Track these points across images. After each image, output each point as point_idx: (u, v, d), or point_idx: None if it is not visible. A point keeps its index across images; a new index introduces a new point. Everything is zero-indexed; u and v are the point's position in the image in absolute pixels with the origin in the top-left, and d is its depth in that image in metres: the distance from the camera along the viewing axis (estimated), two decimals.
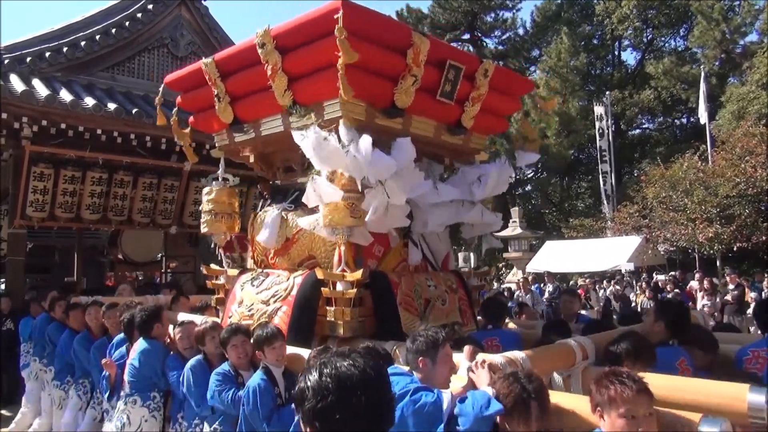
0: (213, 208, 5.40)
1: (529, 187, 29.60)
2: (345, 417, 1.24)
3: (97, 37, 9.47)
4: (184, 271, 12.64)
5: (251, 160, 5.46)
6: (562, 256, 15.92)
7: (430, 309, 4.62)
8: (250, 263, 5.31)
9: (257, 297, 4.53)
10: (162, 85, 5.50)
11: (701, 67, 21.96)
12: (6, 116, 7.68)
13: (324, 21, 3.98)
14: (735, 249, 13.45)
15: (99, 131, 8.42)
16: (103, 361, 4.57)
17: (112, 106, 8.39)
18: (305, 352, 3.53)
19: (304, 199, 4.15)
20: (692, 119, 25.74)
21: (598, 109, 21.85)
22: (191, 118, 5.68)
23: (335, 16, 3.81)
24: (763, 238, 13.21)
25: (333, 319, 4.11)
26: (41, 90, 8.09)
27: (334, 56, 3.92)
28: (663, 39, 29.23)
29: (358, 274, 4.09)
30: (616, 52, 30.12)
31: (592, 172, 25.32)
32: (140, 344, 4.27)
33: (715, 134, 17.52)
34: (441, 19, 28.92)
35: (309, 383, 1.30)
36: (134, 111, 8.49)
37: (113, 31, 9.65)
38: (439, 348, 2.76)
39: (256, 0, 62.49)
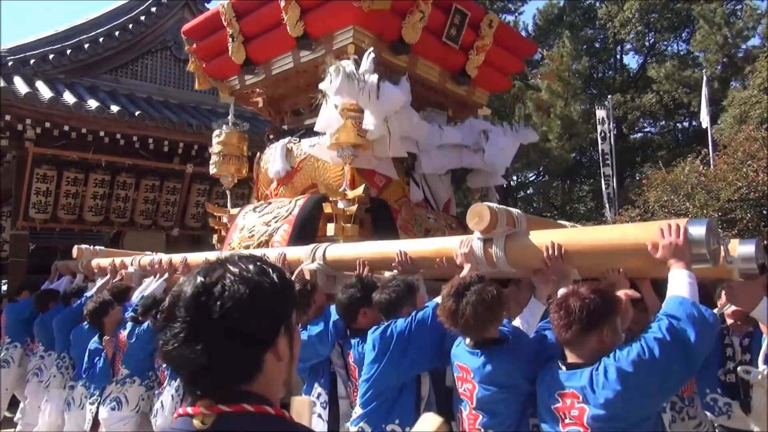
0: (222, 150, 5.57)
1: (530, 191, 29.60)
2: None
3: (101, 39, 9.53)
4: None
5: (260, 104, 5.74)
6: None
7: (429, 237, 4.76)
8: (253, 201, 5.53)
9: (259, 220, 4.71)
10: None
11: (703, 71, 21.94)
12: (9, 118, 7.73)
13: None
14: None
15: (102, 133, 8.47)
16: (106, 338, 4.47)
17: (115, 108, 8.44)
18: (305, 249, 3.66)
19: (316, 127, 4.37)
20: (694, 123, 25.74)
21: (600, 113, 21.84)
22: (204, 66, 5.81)
23: None
24: (766, 242, 13.21)
25: (332, 234, 4.23)
26: (45, 92, 8.13)
27: None
28: (665, 43, 29.22)
29: (359, 191, 4.31)
30: (618, 56, 30.11)
31: (593, 176, 25.32)
32: (132, 327, 4.24)
33: (716, 138, 17.52)
34: None
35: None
36: (137, 113, 8.53)
37: (117, 33, 9.71)
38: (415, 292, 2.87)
39: None
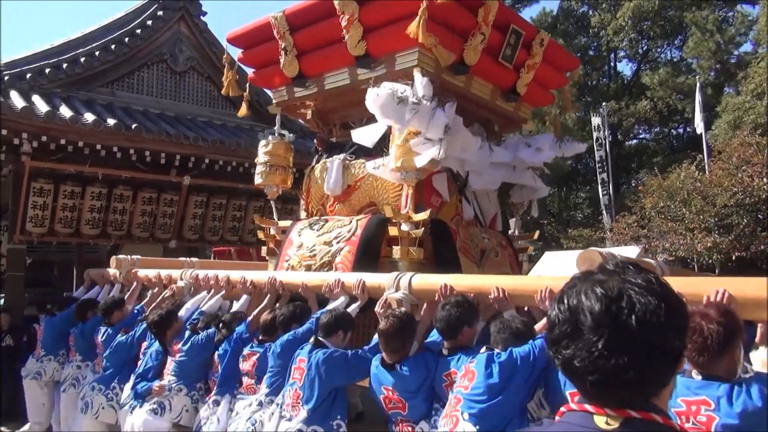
0: (269, 160, 5.58)
1: None
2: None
3: (97, 53, 9.54)
4: None
5: (308, 116, 5.78)
6: (561, 266, 15.89)
7: (485, 258, 4.98)
8: (302, 215, 5.59)
9: (318, 239, 4.74)
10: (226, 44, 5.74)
11: (696, 77, 22.10)
12: (6, 132, 7.72)
13: None
14: (734, 258, 13.46)
15: (99, 146, 8.46)
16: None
17: (111, 121, 8.44)
18: (388, 277, 3.71)
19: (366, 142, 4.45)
20: (688, 129, 25.85)
21: (595, 120, 21.93)
22: (250, 74, 5.84)
23: None
24: (762, 247, 13.23)
25: (398, 257, 4.33)
26: (41, 106, 8.13)
27: (414, 7, 4.22)
28: (658, 50, 29.44)
29: (425, 215, 4.36)
30: (612, 64, 30.32)
31: (590, 183, 25.38)
32: (188, 336, 4.33)
33: (711, 144, 17.60)
34: None
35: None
36: (134, 126, 8.54)
37: (113, 47, 9.72)
38: None
39: (252, 10, 62.86)
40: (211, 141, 9.33)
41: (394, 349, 3.13)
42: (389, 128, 4.59)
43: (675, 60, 28.15)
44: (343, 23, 4.69)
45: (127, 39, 9.93)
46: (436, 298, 3.35)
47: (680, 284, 2.52)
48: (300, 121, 6.23)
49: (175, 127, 9.39)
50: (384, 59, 4.72)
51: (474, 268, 4.75)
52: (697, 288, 2.60)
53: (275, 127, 5.86)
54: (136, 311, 5.35)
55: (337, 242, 4.60)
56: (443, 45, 4.50)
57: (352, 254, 4.42)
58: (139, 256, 6.76)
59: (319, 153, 5.69)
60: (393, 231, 4.41)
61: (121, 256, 6.37)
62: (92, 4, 64.84)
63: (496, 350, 2.77)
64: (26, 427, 6.07)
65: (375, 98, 4.22)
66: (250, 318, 4.26)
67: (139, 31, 10.08)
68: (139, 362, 4.64)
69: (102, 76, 9.74)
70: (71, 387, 5.43)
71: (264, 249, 5.81)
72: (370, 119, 4.89)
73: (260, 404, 3.59)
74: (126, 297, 5.60)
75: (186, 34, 10.80)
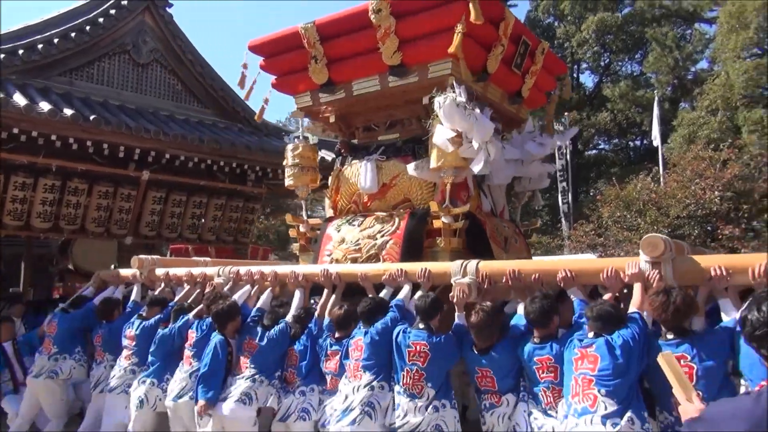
0: (299, 162, 6.01)
1: None
2: None
3: (56, 40, 9.21)
4: None
5: (331, 120, 6.12)
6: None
7: (508, 245, 5.57)
8: (329, 213, 6.06)
9: (362, 234, 5.22)
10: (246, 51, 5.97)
11: (655, 91, 22.78)
12: None
13: None
14: None
15: (54, 137, 8.18)
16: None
17: (68, 111, 8.17)
18: (454, 264, 4.14)
19: (434, 139, 4.84)
20: (645, 142, 26.65)
21: (558, 127, 22.32)
22: (273, 80, 6.15)
23: None
24: None
25: (440, 248, 4.90)
26: None
27: (447, 21, 4.76)
28: (619, 64, 30.22)
29: (465, 208, 4.98)
30: (575, 75, 30.96)
31: (550, 190, 25.82)
32: (262, 331, 4.59)
33: (667, 157, 18.15)
34: None
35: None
36: (92, 117, 8.27)
37: (72, 35, 9.41)
38: None
39: (220, 3, 62.09)
40: (172, 135, 9.12)
41: (486, 338, 3.67)
42: (425, 132, 5.15)
43: (635, 74, 28.97)
44: (379, 35, 5.11)
45: (88, 27, 9.63)
46: (503, 281, 3.89)
47: (726, 260, 3.38)
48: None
49: (136, 120, 9.15)
50: (417, 68, 5.17)
51: (502, 254, 5.25)
52: (743, 261, 3.27)
53: (299, 131, 6.41)
54: (169, 306, 5.54)
55: (381, 236, 5.08)
56: (472, 56, 5.05)
57: (398, 246, 4.93)
58: (158, 257, 7.00)
59: (342, 155, 6.08)
60: (437, 223, 4.91)
61: (142, 256, 6.48)
62: None
63: (606, 335, 3.20)
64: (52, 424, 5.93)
65: (440, 107, 4.69)
66: (317, 312, 4.58)
67: (101, 19, 9.79)
68: (188, 355, 4.89)
69: (60, 65, 9.41)
70: (111, 392, 5.38)
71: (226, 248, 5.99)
72: (394, 123, 5.73)
73: (371, 388, 3.85)
74: (178, 298, 5.70)
75: (150, 25, 10.54)
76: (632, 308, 3.37)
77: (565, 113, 24.35)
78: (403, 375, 3.77)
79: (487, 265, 4.07)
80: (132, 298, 6.11)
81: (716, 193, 13.15)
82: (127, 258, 12.25)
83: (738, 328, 2.82)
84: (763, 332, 1.70)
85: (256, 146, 10.22)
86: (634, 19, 26.95)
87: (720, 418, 1.89)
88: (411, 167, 5.23)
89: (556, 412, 3.35)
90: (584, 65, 30.34)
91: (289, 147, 6.10)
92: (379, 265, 4.71)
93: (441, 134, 4.80)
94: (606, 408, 3.03)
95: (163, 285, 6.05)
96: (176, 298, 5.69)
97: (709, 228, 14.01)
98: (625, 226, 14.96)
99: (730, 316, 3.14)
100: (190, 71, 10.94)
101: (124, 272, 6.63)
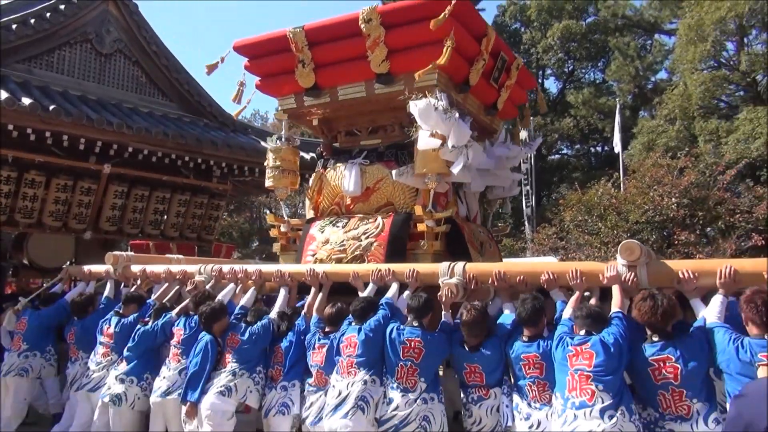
0: (281, 164, 6.06)
1: None
2: None
3: (14, 26, 8.87)
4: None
5: (314, 123, 6.27)
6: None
7: (484, 249, 5.88)
8: (310, 214, 6.18)
9: (346, 235, 5.38)
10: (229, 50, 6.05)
11: (617, 99, 23.36)
12: None
13: (435, 4, 4.92)
14: None
15: (10, 127, 7.88)
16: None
17: (27, 100, 7.88)
18: (442, 265, 4.37)
19: (419, 144, 5.08)
20: (606, 148, 27.28)
21: (523, 133, 22.62)
22: (257, 82, 6.25)
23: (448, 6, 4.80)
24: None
25: (421, 250, 5.13)
26: None
27: (435, 34, 4.90)
28: (583, 71, 30.90)
29: (448, 213, 5.29)
30: (540, 80, 31.49)
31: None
32: (245, 327, 4.70)
33: (627, 163, 18.62)
34: None
35: None
36: (52, 107, 8.00)
37: (32, 21, 9.08)
38: None
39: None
40: (136, 129, 8.89)
41: (476, 335, 3.91)
42: (408, 138, 5.42)
43: (598, 82, 29.66)
44: (368, 44, 5.30)
45: (48, 14, 9.31)
46: (489, 282, 4.15)
47: (693, 264, 3.69)
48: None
49: (98, 112, 8.88)
50: (403, 77, 5.35)
51: (479, 257, 5.49)
52: (711, 265, 3.58)
53: (281, 133, 6.27)
54: (148, 305, 5.52)
55: (366, 238, 5.26)
56: (456, 68, 5.33)
57: (382, 247, 5.12)
58: (132, 253, 6.97)
59: (325, 158, 6.20)
60: (420, 227, 5.16)
61: (117, 252, 6.42)
62: None
63: (596, 334, 3.44)
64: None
65: (416, 108, 4.90)
66: (304, 310, 4.73)
67: (62, 6, 9.48)
68: (176, 353, 4.91)
69: (18, 52, 9.07)
70: (83, 387, 5.39)
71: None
72: (377, 128, 5.95)
73: (365, 383, 3.99)
74: (156, 295, 5.67)
75: (114, 14, 10.26)
76: (614, 308, 3.60)
77: (531, 118, 24.79)
78: (398, 370, 3.95)
79: (474, 267, 4.33)
80: (105, 294, 6.06)
81: (673, 199, 13.51)
82: (85, 253, 11.96)
83: (708, 326, 3.26)
84: None
85: (222, 142, 10.06)
86: (597, 28, 27.61)
87: (759, 393, 2.41)
88: (395, 173, 5.41)
89: (540, 404, 3.62)
90: (549, 71, 30.92)
91: (271, 149, 6.16)
92: (369, 266, 4.88)
93: (424, 140, 4.98)
94: (603, 401, 3.25)
95: (139, 282, 6.01)
96: (154, 296, 5.67)
97: (665, 233, 14.42)
98: (586, 230, 15.27)
99: (699, 316, 3.41)
100: (155, 63, 10.70)
101: (96, 269, 6.52)
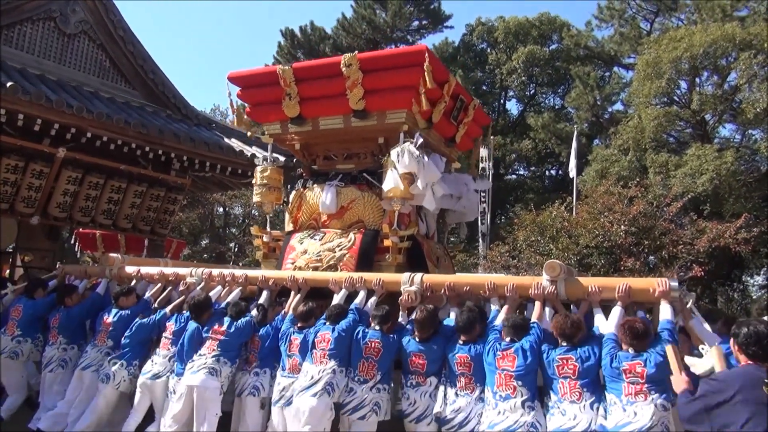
0: (267, 182, 6.87)
1: None
2: None
3: None
4: (39, 267, 11.48)
5: (296, 147, 7.02)
6: None
7: (440, 263, 6.73)
8: (289, 227, 6.91)
9: (322, 247, 6.17)
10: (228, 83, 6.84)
11: (575, 126, 24.06)
12: None
13: (407, 57, 6.20)
14: None
15: None
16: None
17: None
18: (404, 275, 5.19)
19: (385, 184, 6.01)
20: (561, 172, 28.03)
21: (483, 151, 23.05)
22: (247, 108, 7.12)
23: (423, 58, 5.81)
24: None
25: (386, 262, 5.98)
26: None
27: (406, 79, 5.98)
28: (544, 95, 31.75)
29: (412, 230, 6.32)
30: (502, 101, 32.19)
31: None
32: (230, 322, 5.35)
33: (580, 188, 19.16)
34: (343, 43, 29.21)
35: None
36: (9, 84, 7.69)
37: None
38: None
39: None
40: (96, 114, 8.64)
41: (425, 330, 4.71)
42: (378, 165, 6.39)
43: (557, 107, 30.51)
44: (348, 84, 6.13)
45: None
46: (442, 291, 5.00)
47: (599, 281, 4.75)
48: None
49: (57, 93, 8.59)
50: (376, 114, 6.28)
51: (435, 270, 6.31)
52: (612, 283, 4.59)
53: (267, 153, 7.29)
54: (146, 300, 6.17)
55: (340, 250, 6.05)
56: (422, 109, 6.19)
57: (354, 259, 5.93)
58: (128, 256, 7.94)
59: (303, 178, 6.97)
60: (387, 242, 5.97)
61: (113, 255, 7.20)
62: None
63: (517, 341, 4.30)
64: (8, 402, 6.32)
65: (397, 154, 5.85)
66: (284, 309, 5.41)
67: None
68: (166, 342, 5.58)
69: None
70: (59, 368, 6.09)
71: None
72: (351, 155, 6.80)
73: (333, 372, 4.69)
74: (150, 293, 6.29)
75: None
76: (533, 319, 4.50)
77: (491, 137, 25.28)
78: (360, 365, 4.74)
79: (430, 278, 5.15)
80: (97, 290, 6.63)
81: (622, 227, 13.98)
82: (27, 238, 11.47)
83: (605, 337, 4.19)
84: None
85: (184, 135, 9.88)
86: (560, 56, 28.44)
87: (727, 376, 3.01)
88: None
89: (464, 393, 4.47)
90: (511, 93, 31.64)
91: (258, 168, 6.94)
92: (343, 274, 5.62)
93: (391, 180, 5.89)
94: (523, 395, 4.17)
95: (134, 282, 6.55)
96: (148, 294, 6.28)
97: (613, 259, 14.90)
98: (538, 250, 15.61)
99: (598, 324, 4.38)
100: (120, 48, 10.44)
101: (92, 269, 7.28)
